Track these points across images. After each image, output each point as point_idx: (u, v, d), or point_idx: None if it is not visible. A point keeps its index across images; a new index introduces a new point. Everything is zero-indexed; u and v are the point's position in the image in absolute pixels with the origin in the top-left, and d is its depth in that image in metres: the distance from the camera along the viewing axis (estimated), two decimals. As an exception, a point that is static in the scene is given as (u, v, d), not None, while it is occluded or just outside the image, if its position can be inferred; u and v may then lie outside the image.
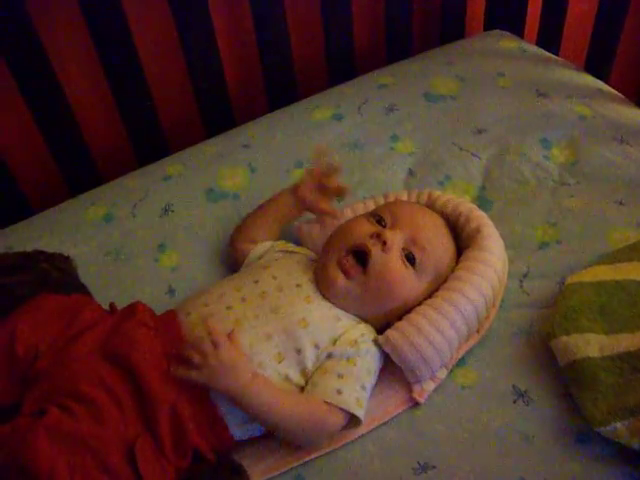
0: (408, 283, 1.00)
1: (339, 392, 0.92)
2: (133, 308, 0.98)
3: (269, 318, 0.96)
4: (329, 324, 0.97)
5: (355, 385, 0.93)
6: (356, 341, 0.96)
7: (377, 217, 1.04)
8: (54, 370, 0.89)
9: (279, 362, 0.93)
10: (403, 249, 1.00)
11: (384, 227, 1.02)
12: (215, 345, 0.87)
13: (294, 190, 1.13)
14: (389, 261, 0.98)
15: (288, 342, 0.94)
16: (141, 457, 0.84)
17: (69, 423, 0.82)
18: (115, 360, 0.89)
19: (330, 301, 1.00)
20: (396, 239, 0.99)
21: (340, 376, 0.93)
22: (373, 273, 0.98)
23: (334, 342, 0.95)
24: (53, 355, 0.90)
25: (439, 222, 1.07)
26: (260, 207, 1.16)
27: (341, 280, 0.98)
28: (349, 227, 1.05)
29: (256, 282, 1.01)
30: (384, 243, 0.98)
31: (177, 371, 0.88)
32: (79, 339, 0.92)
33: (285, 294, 0.99)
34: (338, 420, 0.92)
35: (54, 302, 0.98)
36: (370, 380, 0.96)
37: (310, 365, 0.94)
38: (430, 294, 1.01)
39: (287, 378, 0.93)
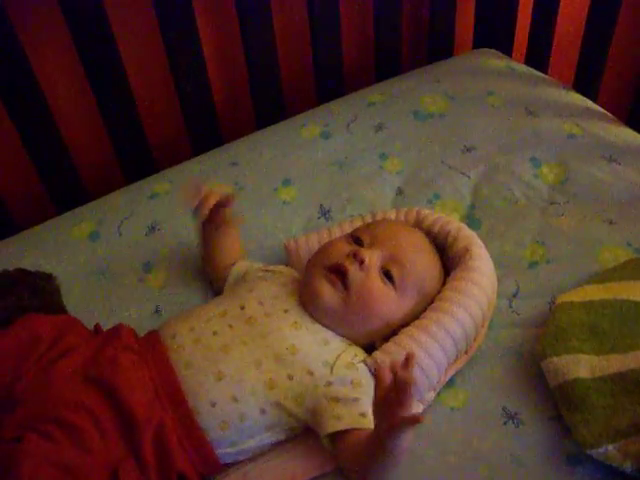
0: (389, 301, 0.98)
1: (363, 415, 0.89)
2: (116, 331, 0.97)
3: (258, 344, 0.94)
4: (318, 348, 0.95)
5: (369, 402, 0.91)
6: (352, 363, 0.95)
7: (355, 238, 1.04)
8: (34, 393, 0.87)
9: (271, 389, 0.91)
10: (382, 267, 0.99)
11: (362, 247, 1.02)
12: None
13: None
14: (367, 279, 0.97)
15: (279, 368, 0.92)
16: None
17: (49, 449, 0.80)
18: (97, 384, 0.87)
19: (317, 322, 0.98)
20: (373, 257, 0.99)
21: (355, 400, 0.90)
22: (353, 291, 0.97)
23: (330, 369, 0.93)
24: (34, 377, 0.88)
25: (420, 240, 1.06)
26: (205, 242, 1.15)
27: (327, 291, 0.97)
28: (327, 249, 1.04)
29: (242, 308, 0.99)
30: (361, 262, 0.97)
31: None
32: (60, 362, 0.90)
33: (272, 320, 0.97)
34: None
35: (40, 323, 0.96)
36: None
37: (305, 392, 0.92)
38: (417, 314, 1.00)
39: (278, 404, 0.91)
